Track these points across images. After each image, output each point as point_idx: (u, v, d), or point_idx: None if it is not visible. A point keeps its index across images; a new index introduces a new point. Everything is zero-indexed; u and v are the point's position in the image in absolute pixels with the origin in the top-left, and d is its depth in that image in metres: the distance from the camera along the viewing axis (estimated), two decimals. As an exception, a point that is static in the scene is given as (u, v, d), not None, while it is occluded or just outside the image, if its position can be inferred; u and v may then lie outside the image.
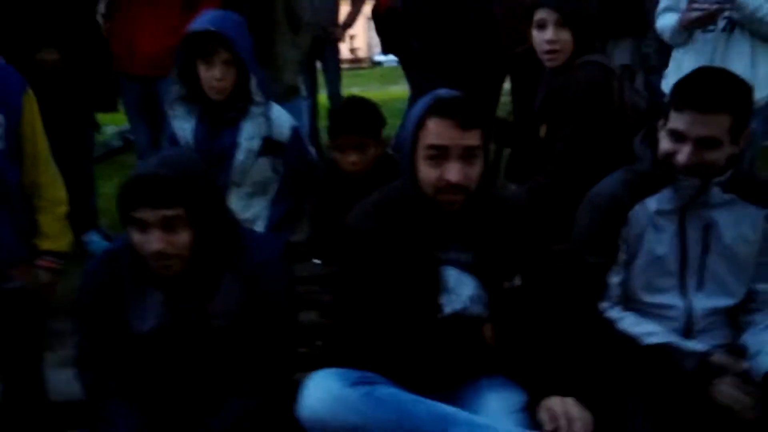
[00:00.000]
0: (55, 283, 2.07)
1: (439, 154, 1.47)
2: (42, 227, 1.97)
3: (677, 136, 1.52)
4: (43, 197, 1.98)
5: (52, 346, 2.69)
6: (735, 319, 1.67)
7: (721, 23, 2.45)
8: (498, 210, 1.61)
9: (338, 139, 2.10)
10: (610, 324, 1.62)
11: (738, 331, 1.66)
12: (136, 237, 1.45)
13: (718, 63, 2.39)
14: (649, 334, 1.58)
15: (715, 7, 2.41)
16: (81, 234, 3.54)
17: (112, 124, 6.26)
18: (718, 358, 1.51)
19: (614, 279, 1.64)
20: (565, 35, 2.07)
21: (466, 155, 1.48)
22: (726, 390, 1.46)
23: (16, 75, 1.95)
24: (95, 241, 3.51)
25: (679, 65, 2.57)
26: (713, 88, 1.51)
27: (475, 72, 3.07)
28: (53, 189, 2.01)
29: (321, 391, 1.45)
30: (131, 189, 1.42)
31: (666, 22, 2.62)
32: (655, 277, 1.63)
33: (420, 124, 1.50)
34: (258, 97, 2.17)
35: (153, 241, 1.42)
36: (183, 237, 1.44)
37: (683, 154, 1.51)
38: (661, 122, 1.61)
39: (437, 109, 1.49)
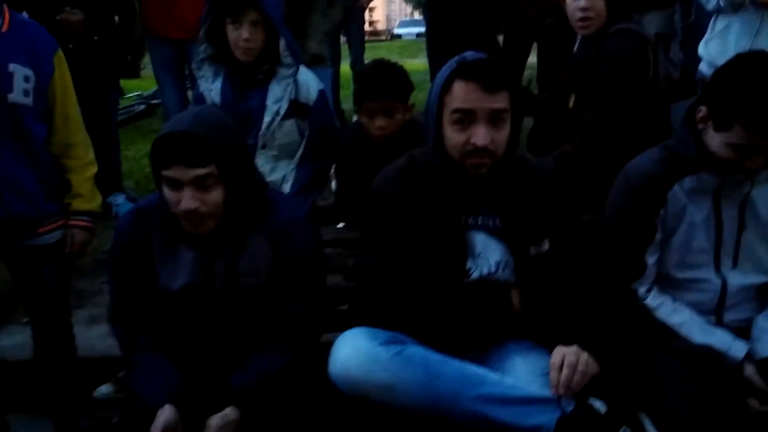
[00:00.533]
0: (88, 242, 2.10)
1: (466, 118, 1.46)
2: (74, 188, 2.00)
3: (742, 150, 1.46)
4: (75, 157, 2.01)
5: (81, 304, 2.76)
6: (765, 294, 1.65)
7: None
8: (526, 175, 1.59)
9: (366, 104, 2.08)
10: (648, 311, 1.62)
11: (764, 306, 1.64)
12: (170, 195, 1.45)
13: (763, 36, 2.22)
14: (685, 324, 1.58)
15: None
16: (106, 196, 3.61)
17: (136, 89, 6.33)
18: (754, 376, 1.50)
19: (650, 259, 1.62)
20: (599, 2, 2.05)
21: (493, 119, 1.46)
22: (756, 407, 1.48)
23: (47, 35, 1.96)
24: (120, 203, 3.57)
25: (725, 33, 2.36)
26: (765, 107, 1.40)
27: (492, 43, 3.06)
28: (84, 150, 2.04)
29: (352, 349, 1.46)
30: (164, 147, 1.41)
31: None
32: (689, 254, 1.62)
33: (445, 88, 1.48)
34: (287, 59, 2.15)
35: (187, 200, 1.42)
36: (215, 195, 1.45)
37: (753, 162, 1.47)
38: (701, 120, 1.54)
39: (462, 72, 1.47)
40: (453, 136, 1.48)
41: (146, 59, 3.64)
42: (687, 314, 1.60)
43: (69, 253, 2.03)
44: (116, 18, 3.31)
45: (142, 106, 6.17)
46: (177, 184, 1.42)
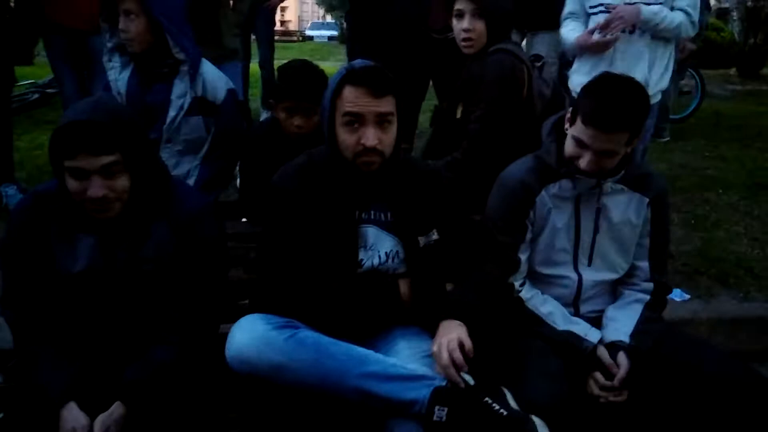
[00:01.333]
0: None
1: (356, 121, 1.59)
2: None
3: (581, 144, 1.70)
4: None
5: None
6: (616, 288, 1.90)
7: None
8: (412, 173, 1.74)
9: (287, 102, 2.13)
10: (521, 302, 1.80)
11: (613, 299, 1.89)
12: (74, 185, 1.45)
13: (618, 62, 2.56)
14: (552, 314, 1.78)
15: (616, 36, 2.48)
16: (-3, 185, 3.46)
17: (30, 77, 6.00)
18: (603, 354, 1.71)
19: (522, 256, 1.82)
20: (480, 25, 2.24)
21: (381, 121, 1.60)
22: (593, 387, 1.69)
23: None
24: (11, 194, 3.44)
25: (581, 64, 2.72)
26: (616, 110, 1.62)
27: (407, 53, 3.20)
28: None
29: (248, 332, 1.54)
30: (67, 136, 1.41)
31: (567, 35, 2.72)
32: (553, 253, 1.83)
33: (336, 93, 1.61)
34: (179, 55, 2.16)
35: (95, 188, 1.44)
36: (122, 181, 1.48)
37: (584, 161, 1.69)
38: (567, 121, 1.77)
39: (352, 78, 1.59)
40: (345, 138, 1.61)
41: (39, 46, 3.53)
42: (554, 305, 1.81)
43: None
44: (11, 3, 3.20)
45: (36, 95, 5.85)
46: (83, 174, 1.43)
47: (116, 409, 1.46)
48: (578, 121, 1.69)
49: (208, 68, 2.27)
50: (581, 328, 1.77)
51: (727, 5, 13.71)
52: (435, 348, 1.54)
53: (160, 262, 1.57)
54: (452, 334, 1.55)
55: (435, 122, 2.66)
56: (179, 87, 2.20)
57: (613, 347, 1.72)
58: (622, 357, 1.69)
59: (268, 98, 2.19)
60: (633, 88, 1.69)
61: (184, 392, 1.57)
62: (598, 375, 1.69)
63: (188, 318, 1.59)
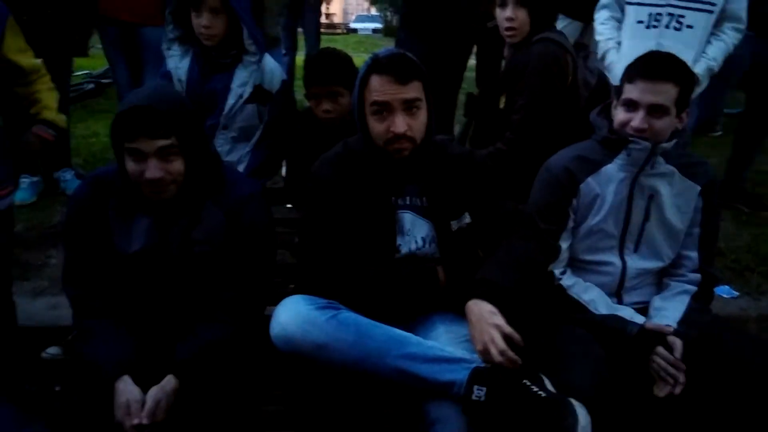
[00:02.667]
0: (42, 154, 2.25)
1: (383, 109, 1.63)
2: (43, 101, 2.10)
3: (631, 105, 1.71)
4: (41, 83, 2.15)
5: (27, 277, 2.79)
6: (661, 279, 1.88)
7: (666, 19, 2.51)
8: (445, 158, 1.76)
9: (312, 89, 2.20)
10: (563, 290, 1.79)
11: (659, 290, 1.87)
12: (132, 166, 1.53)
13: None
14: (594, 301, 1.77)
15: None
16: (54, 171, 3.61)
17: (85, 68, 6.23)
18: (650, 324, 1.70)
19: (564, 244, 1.81)
20: (522, 14, 2.24)
21: (408, 107, 1.63)
22: (662, 352, 1.65)
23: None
24: (69, 179, 3.59)
25: (622, 55, 2.61)
26: (661, 61, 1.71)
27: (453, 41, 3.20)
28: (48, 78, 2.19)
29: (291, 312, 1.59)
30: (128, 120, 1.49)
31: (599, 27, 2.66)
32: (598, 238, 1.82)
33: (363, 83, 1.65)
34: (251, 47, 2.25)
35: (152, 169, 1.51)
36: (177, 165, 1.55)
37: (636, 120, 1.69)
38: (614, 101, 1.78)
39: (376, 68, 1.63)
40: (375, 126, 1.65)
41: (94, 38, 3.66)
42: (596, 292, 1.80)
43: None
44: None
45: (91, 85, 6.06)
46: (141, 155, 1.51)
47: (168, 382, 1.52)
48: (625, 86, 1.72)
49: (267, 58, 2.34)
50: (626, 313, 1.75)
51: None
52: (480, 347, 1.52)
53: (211, 244, 1.63)
54: (491, 328, 1.52)
55: (469, 112, 2.66)
56: (240, 76, 2.28)
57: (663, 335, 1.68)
58: (673, 339, 1.66)
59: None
60: (676, 56, 1.75)
61: (231, 369, 1.62)
62: (662, 349, 1.65)
63: (237, 298, 1.65)
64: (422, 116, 1.66)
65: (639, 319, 1.73)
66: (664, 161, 1.75)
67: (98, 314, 1.62)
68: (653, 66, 1.70)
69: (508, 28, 2.28)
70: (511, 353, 1.48)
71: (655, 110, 1.68)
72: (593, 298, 1.78)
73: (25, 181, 3.47)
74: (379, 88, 1.62)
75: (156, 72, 2.51)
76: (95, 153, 4.28)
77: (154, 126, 1.49)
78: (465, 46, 3.37)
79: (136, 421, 1.44)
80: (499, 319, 1.55)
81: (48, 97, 2.11)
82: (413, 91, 1.63)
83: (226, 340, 1.62)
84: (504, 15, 2.27)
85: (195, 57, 2.30)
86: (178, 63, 2.31)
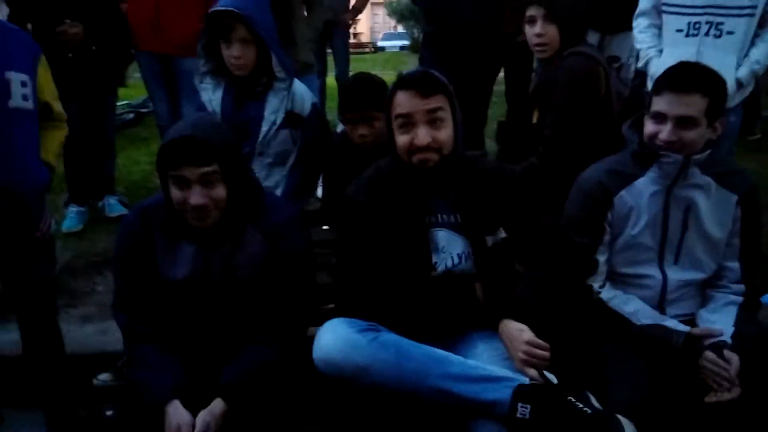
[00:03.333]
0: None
1: (408, 122, 1.67)
2: (45, 143, 2.11)
3: (659, 117, 1.70)
4: (52, 120, 2.16)
5: (74, 304, 2.89)
6: (704, 291, 1.85)
7: (705, 27, 2.49)
8: (476, 172, 1.77)
9: (348, 114, 2.24)
10: (603, 303, 1.78)
11: (703, 303, 1.84)
12: (177, 194, 1.60)
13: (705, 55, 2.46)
14: (637, 312, 1.75)
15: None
16: (99, 199, 3.74)
17: (124, 98, 6.43)
18: (698, 330, 1.68)
19: (601, 258, 1.81)
20: (552, 30, 2.25)
21: (432, 119, 1.67)
22: (711, 358, 1.63)
23: (29, 39, 2.11)
24: (112, 204, 3.71)
25: (662, 64, 2.60)
26: (688, 72, 1.70)
27: (477, 59, 3.22)
28: (61, 117, 2.20)
29: (333, 335, 1.61)
30: (172, 150, 1.57)
31: (639, 35, 2.66)
32: (636, 251, 1.80)
33: (390, 99, 1.71)
34: (280, 73, 2.31)
35: (196, 196, 1.58)
36: (219, 191, 1.61)
37: (664, 132, 1.69)
38: (646, 112, 1.77)
39: (401, 84, 1.70)
40: (400, 139, 1.69)
41: (132, 68, 3.79)
42: (639, 304, 1.78)
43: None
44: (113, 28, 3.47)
45: (131, 115, 6.25)
46: (185, 182, 1.58)
47: (216, 406, 1.56)
48: (653, 98, 1.71)
49: (296, 83, 2.39)
50: (670, 323, 1.73)
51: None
52: (518, 365, 1.55)
53: (253, 269, 1.68)
54: (522, 345, 1.56)
55: (501, 139, 2.68)
56: (273, 103, 2.34)
57: (716, 348, 1.66)
58: (729, 354, 1.64)
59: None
60: (704, 64, 1.74)
61: (275, 391, 1.65)
62: (711, 354, 1.63)
63: (281, 321, 1.68)
64: (447, 128, 1.70)
65: (683, 327, 1.71)
66: (699, 172, 1.73)
67: (148, 340, 1.68)
68: (680, 78, 1.69)
69: (537, 44, 2.29)
70: (535, 350, 1.53)
71: (683, 122, 1.67)
72: (636, 309, 1.77)
73: (72, 210, 3.60)
74: (402, 101, 1.67)
75: (192, 101, 2.58)
76: (136, 181, 4.41)
77: (196, 154, 1.56)
78: (491, 64, 3.39)
79: None
80: (528, 334, 1.57)
81: (51, 139, 2.15)
82: (436, 101, 1.67)
83: (272, 362, 1.65)
84: (533, 32, 2.29)
85: (227, 88, 2.36)
86: (211, 95, 2.37)
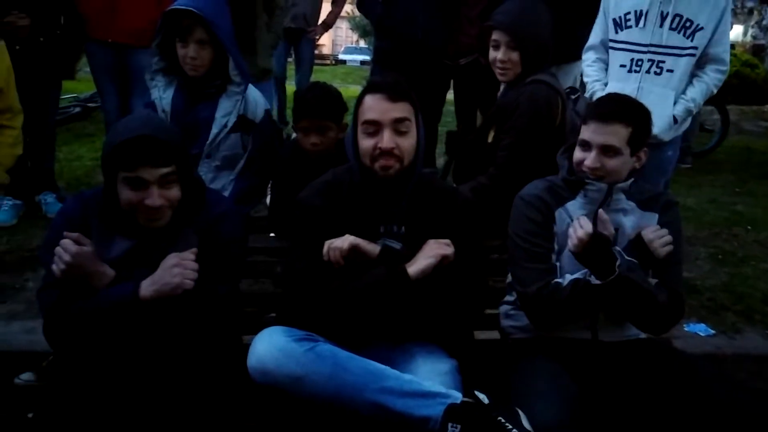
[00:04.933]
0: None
1: (374, 130, 1.70)
2: None
3: (585, 145, 1.80)
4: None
5: (3, 300, 2.76)
6: None
7: (647, 65, 2.58)
8: (430, 189, 1.80)
9: (301, 122, 2.24)
10: (555, 288, 1.76)
11: None
12: (130, 194, 1.55)
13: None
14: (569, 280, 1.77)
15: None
16: (37, 194, 3.59)
17: (72, 91, 6.24)
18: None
19: (557, 263, 1.82)
20: (515, 56, 2.31)
21: (397, 127, 1.70)
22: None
23: None
24: (50, 202, 3.56)
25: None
26: (613, 103, 1.81)
27: (427, 77, 3.27)
28: (18, 129, 2.12)
29: (268, 344, 1.59)
30: (128, 150, 1.51)
31: (587, 69, 2.77)
32: (577, 267, 1.81)
33: (358, 103, 1.74)
34: (236, 77, 2.28)
35: (153, 197, 1.54)
36: (175, 192, 1.59)
37: (589, 160, 1.78)
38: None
39: (371, 88, 1.74)
40: (364, 143, 1.72)
41: (82, 61, 3.69)
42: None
43: None
44: (62, 19, 3.36)
45: (78, 109, 6.06)
46: (142, 184, 1.54)
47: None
48: (582, 127, 1.81)
49: (250, 88, 2.37)
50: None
51: (762, 42, 13.58)
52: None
53: None
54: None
55: (450, 149, 2.71)
56: (225, 106, 2.31)
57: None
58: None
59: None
60: (630, 96, 1.86)
61: (204, 399, 1.60)
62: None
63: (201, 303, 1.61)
64: (411, 139, 1.73)
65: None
66: (625, 198, 1.83)
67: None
68: (604, 108, 1.80)
69: (500, 67, 2.34)
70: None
71: (606, 150, 1.76)
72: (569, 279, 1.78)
73: (7, 203, 3.44)
74: (371, 105, 1.70)
75: (144, 98, 2.53)
76: (79, 177, 4.27)
77: (155, 154, 1.53)
78: (439, 82, 3.44)
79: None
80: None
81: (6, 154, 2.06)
82: (403, 110, 1.71)
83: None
84: (497, 56, 2.33)
85: (179, 87, 2.33)
86: (161, 93, 2.32)
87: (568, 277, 1.77)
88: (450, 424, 1.46)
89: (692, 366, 1.75)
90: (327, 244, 1.67)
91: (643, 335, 1.87)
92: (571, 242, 1.73)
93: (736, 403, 1.58)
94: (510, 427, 1.44)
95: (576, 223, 1.73)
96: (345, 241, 1.66)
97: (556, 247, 1.85)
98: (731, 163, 5.68)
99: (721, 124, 6.03)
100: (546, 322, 1.82)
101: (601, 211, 1.77)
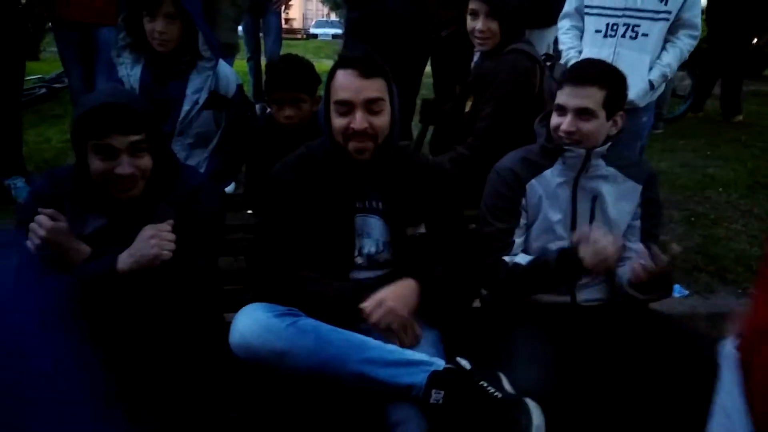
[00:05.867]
0: None
1: (346, 106, 1.66)
2: None
3: (560, 110, 1.80)
4: None
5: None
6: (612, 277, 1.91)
7: (623, 29, 2.61)
8: (408, 164, 1.78)
9: (274, 94, 2.21)
10: (511, 265, 1.81)
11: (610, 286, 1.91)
12: (99, 165, 1.53)
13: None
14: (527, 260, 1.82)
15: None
16: (6, 177, 3.51)
17: (37, 72, 6.06)
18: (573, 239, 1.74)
19: (518, 239, 1.86)
20: (494, 25, 2.30)
21: (370, 106, 1.66)
22: (587, 253, 1.66)
23: None
24: (20, 186, 3.49)
25: None
26: (587, 67, 1.83)
27: (401, 49, 3.22)
28: None
29: (250, 320, 1.58)
30: (97, 117, 1.49)
31: (562, 36, 2.78)
32: (549, 240, 1.86)
33: (330, 78, 1.70)
34: (206, 52, 2.24)
35: (124, 166, 1.52)
36: (146, 161, 1.57)
37: (565, 124, 1.78)
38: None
39: (342, 63, 1.69)
40: (336, 122, 1.68)
41: (46, 41, 3.58)
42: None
43: None
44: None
45: (44, 90, 5.90)
46: (112, 152, 1.52)
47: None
48: (557, 92, 1.81)
49: (221, 63, 2.33)
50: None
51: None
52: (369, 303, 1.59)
53: None
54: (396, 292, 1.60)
55: (424, 117, 2.70)
56: (195, 82, 2.26)
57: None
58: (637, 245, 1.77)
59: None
60: (605, 62, 1.86)
61: (188, 376, 1.59)
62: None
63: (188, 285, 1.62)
64: (384, 117, 1.69)
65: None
66: (604, 164, 1.82)
67: None
68: (579, 71, 1.81)
69: (479, 37, 2.32)
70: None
71: (581, 113, 1.76)
72: (528, 260, 1.82)
73: (-27, 187, 3.36)
74: (343, 82, 1.66)
75: (109, 76, 2.46)
76: (48, 159, 4.17)
77: (125, 121, 1.51)
78: (415, 54, 3.41)
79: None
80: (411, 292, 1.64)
81: None
82: (376, 89, 1.66)
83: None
84: (475, 26, 2.32)
85: (146, 64, 2.27)
86: (129, 71, 2.27)
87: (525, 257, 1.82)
88: (434, 391, 1.47)
89: (669, 325, 1.79)
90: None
91: (620, 299, 1.88)
92: (634, 275, 1.70)
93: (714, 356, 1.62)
94: (492, 390, 1.46)
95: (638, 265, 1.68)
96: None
97: (524, 221, 1.86)
98: (703, 128, 5.75)
99: (691, 89, 6.09)
100: (497, 293, 1.86)
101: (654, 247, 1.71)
